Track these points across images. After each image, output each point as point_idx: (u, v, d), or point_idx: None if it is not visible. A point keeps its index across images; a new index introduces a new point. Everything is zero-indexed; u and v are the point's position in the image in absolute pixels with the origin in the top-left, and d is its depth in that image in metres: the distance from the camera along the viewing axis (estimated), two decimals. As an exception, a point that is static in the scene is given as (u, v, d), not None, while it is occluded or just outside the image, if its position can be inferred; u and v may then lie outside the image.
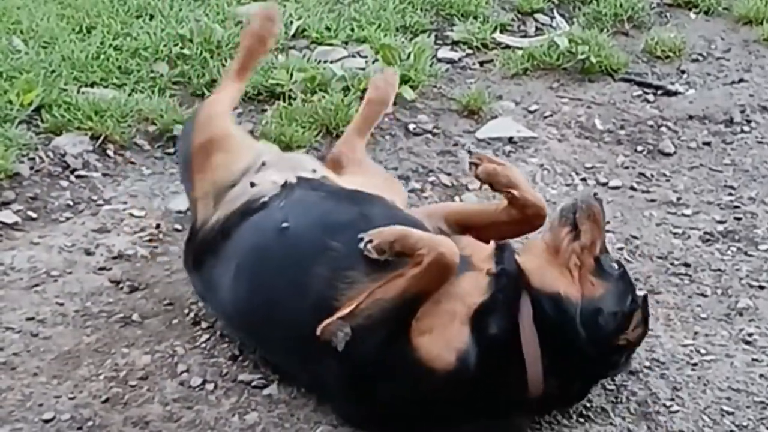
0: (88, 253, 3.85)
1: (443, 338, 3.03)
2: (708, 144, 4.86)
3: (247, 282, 3.29)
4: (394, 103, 4.82)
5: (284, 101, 4.71)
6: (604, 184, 4.49)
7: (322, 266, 3.15)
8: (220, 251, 3.40)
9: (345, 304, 3.06)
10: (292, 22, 5.37)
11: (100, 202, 4.15)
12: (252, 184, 3.53)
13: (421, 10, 5.64)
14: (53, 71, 4.72)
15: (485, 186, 4.20)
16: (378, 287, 3.04)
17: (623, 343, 3.13)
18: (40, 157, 4.28)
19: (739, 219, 4.29)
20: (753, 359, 3.52)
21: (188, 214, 4.06)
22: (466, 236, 3.36)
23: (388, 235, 3.09)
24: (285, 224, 3.29)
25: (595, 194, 3.40)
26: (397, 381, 3.05)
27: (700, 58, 5.61)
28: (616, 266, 3.25)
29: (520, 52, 5.37)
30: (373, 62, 5.06)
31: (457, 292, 3.09)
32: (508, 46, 5.49)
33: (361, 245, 3.09)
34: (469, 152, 3.54)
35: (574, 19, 5.81)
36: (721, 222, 4.27)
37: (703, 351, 3.53)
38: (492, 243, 3.30)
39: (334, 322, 3.03)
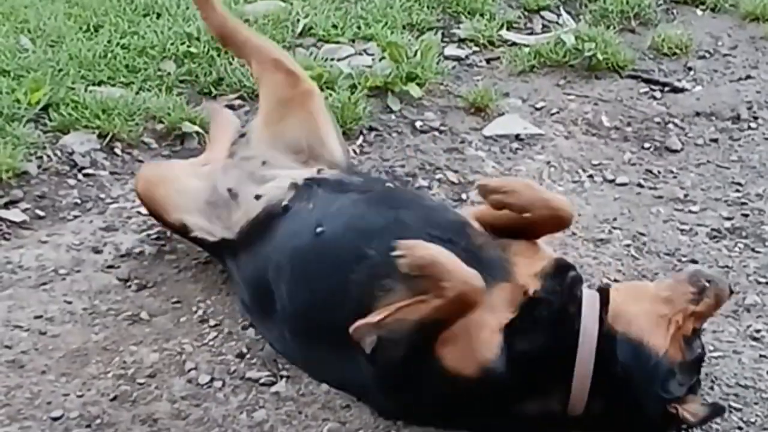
0: (96, 251, 3.86)
1: (467, 348, 3.03)
2: (715, 141, 4.85)
3: (288, 283, 3.31)
4: (401, 101, 4.85)
5: (291, 99, 4.71)
6: (611, 181, 4.49)
7: (359, 273, 3.17)
8: (254, 251, 3.44)
9: (380, 311, 3.07)
10: (298, 21, 5.38)
11: (108, 200, 4.16)
12: (258, 197, 3.55)
13: (428, 7, 5.64)
14: (60, 70, 4.73)
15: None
16: (403, 306, 3.04)
17: (673, 412, 3.10)
18: (48, 156, 4.29)
19: (746, 215, 4.29)
20: (761, 355, 3.52)
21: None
22: (523, 241, 3.30)
23: (418, 257, 3.03)
24: (320, 229, 3.31)
25: (731, 287, 3.35)
26: (423, 387, 3.07)
27: (707, 55, 5.61)
28: (701, 349, 3.22)
29: (526, 50, 5.37)
30: (380, 60, 5.06)
31: (487, 303, 3.05)
32: (514, 44, 5.49)
33: (395, 254, 3.05)
34: (475, 184, 3.55)
35: (581, 16, 5.82)
36: (728, 218, 4.27)
37: (710, 347, 3.52)
38: (552, 260, 3.27)
39: (364, 326, 3.05)
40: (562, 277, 3.22)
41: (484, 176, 4.39)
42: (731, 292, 3.32)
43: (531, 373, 3.06)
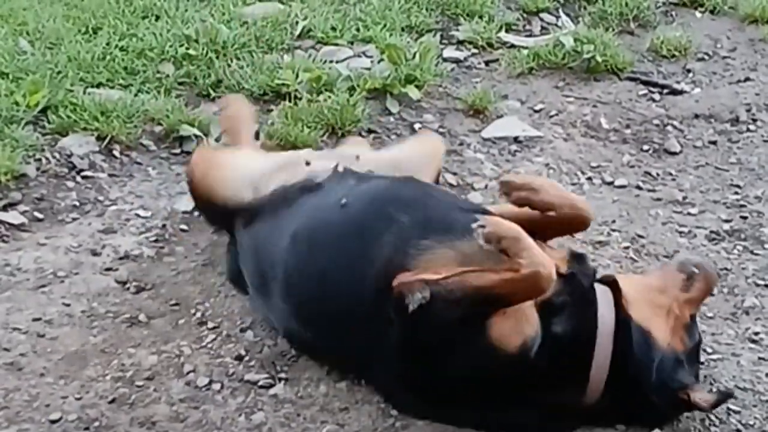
0: (95, 253, 3.85)
1: (515, 321, 3.05)
2: (714, 143, 4.85)
3: (306, 251, 3.32)
4: (400, 103, 4.84)
5: (290, 101, 4.71)
6: (610, 183, 4.49)
7: (389, 235, 3.18)
8: (275, 217, 3.48)
9: (422, 268, 3.07)
10: (297, 22, 5.37)
11: (107, 202, 4.15)
12: (307, 163, 3.66)
13: (427, 9, 5.64)
14: (59, 72, 4.73)
15: (492, 184, 4.25)
16: (469, 270, 3.04)
17: (684, 398, 3.14)
18: (47, 158, 4.29)
19: (745, 218, 4.29)
20: (759, 358, 3.52)
21: (194, 214, 4.07)
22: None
23: (503, 229, 3.08)
24: (343, 201, 3.34)
25: (717, 270, 3.55)
26: (459, 354, 3.05)
27: (706, 57, 5.61)
28: (698, 335, 3.30)
29: (525, 52, 5.37)
30: (379, 62, 5.06)
31: None
32: (513, 46, 5.49)
33: (474, 225, 3.08)
34: (499, 180, 3.54)
35: (580, 19, 5.81)
36: (727, 221, 4.27)
37: (709, 350, 3.52)
38: (569, 249, 3.34)
39: (416, 282, 3.03)
40: (585, 262, 3.30)
41: (483, 178, 4.39)
42: (718, 276, 3.47)
43: (557, 357, 3.08)
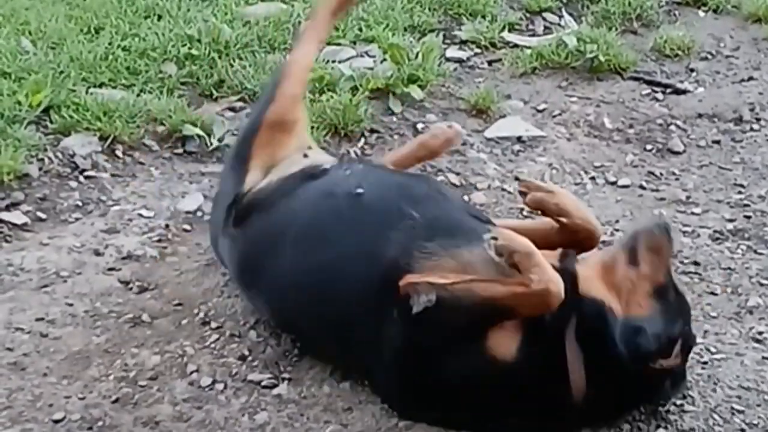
0: (98, 253, 3.85)
1: (509, 329, 3.04)
2: (717, 142, 4.85)
3: (311, 240, 3.30)
4: (402, 103, 4.84)
5: (292, 101, 4.70)
6: (613, 183, 4.49)
7: (398, 232, 3.18)
8: (274, 209, 3.44)
9: (424, 272, 3.06)
10: (300, 22, 5.37)
11: (109, 202, 4.15)
12: (305, 155, 3.64)
13: (430, 9, 5.64)
14: (62, 72, 4.73)
15: (495, 184, 4.23)
16: (479, 280, 3.04)
17: (658, 367, 3.10)
18: (49, 158, 4.29)
19: (748, 217, 4.28)
20: (763, 357, 3.51)
21: (197, 214, 4.07)
22: None
23: (514, 243, 3.06)
24: (359, 190, 3.32)
25: (665, 225, 3.35)
26: (455, 360, 3.05)
27: (709, 57, 5.61)
28: (675, 294, 3.25)
29: (528, 51, 5.37)
30: (381, 62, 5.06)
31: None
32: (516, 45, 5.49)
33: (486, 236, 3.07)
34: (517, 179, 3.45)
35: (583, 18, 5.82)
36: (730, 220, 4.26)
37: (713, 350, 3.52)
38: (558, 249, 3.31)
39: (423, 284, 3.03)
40: (567, 257, 3.28)
41: (486, 178, 4.39)
42: (666, 230, 3.30)
43: (545, 358, 3.07)
